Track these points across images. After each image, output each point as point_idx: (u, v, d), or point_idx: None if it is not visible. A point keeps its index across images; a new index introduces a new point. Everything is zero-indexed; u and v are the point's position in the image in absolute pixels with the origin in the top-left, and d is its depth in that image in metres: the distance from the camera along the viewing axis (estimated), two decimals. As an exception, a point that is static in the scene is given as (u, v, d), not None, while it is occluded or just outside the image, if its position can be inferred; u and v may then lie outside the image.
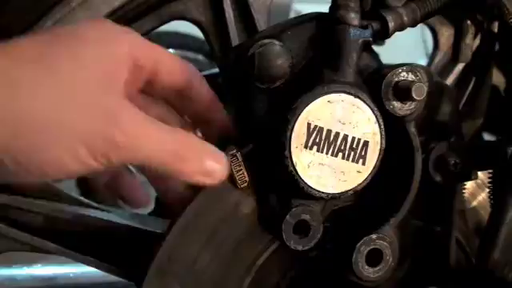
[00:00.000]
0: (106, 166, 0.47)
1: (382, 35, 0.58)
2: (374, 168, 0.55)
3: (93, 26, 0.50)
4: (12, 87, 0.43)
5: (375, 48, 0.59)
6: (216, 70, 0.76)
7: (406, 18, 0.58)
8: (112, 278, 0.64)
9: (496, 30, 0.66)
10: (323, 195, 0.54)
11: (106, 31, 0.50)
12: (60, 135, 0.44)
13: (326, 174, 0.54)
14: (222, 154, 0.52)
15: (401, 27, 0.58)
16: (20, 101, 0.43)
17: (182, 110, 0.58)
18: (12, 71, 0.44)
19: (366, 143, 0.54)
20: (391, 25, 0.57)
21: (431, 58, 0.92)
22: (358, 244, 0.55)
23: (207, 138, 0.57)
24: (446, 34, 0.89)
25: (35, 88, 0.44)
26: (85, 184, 0.72)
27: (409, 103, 0.55)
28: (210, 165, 0.51)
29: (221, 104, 0.58)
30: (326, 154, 0.54)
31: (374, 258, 0.56)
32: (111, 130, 0.45)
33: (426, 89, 0.53)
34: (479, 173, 0.64)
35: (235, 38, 0.67)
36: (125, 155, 0.47)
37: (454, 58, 0.69)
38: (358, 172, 0.55)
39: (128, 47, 0.50)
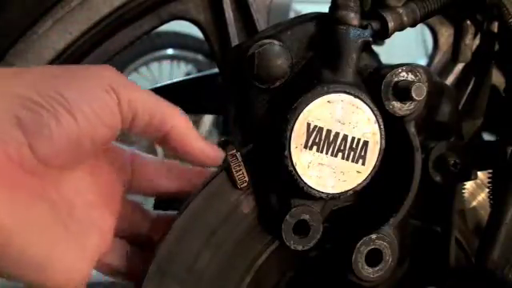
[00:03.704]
0: (122, 120, 0.48)
1: (382, 35, 0.58)
2: (373, 168, 0.55)
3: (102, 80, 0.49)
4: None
5: (375, 48, 0.59)
6: (216, 70, 0.76)
7: (405, 18, 0.58)
8: (112, 277, 0.64)
9: (496, 30, 0.65)
10: (323, 195, 0.54)
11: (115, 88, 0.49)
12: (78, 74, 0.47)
13: (326, 174, 0.54)
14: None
15: (400, 27, 0.58)
16: None
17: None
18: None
19: (365, 143, 0.54)
20: (391, 25, 0.57)
21: (431, 57, 0.93)
22: (358, 244, 0.55)
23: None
24: (446, 33, 0.90)
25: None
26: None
27: (408, 103, 0.55)
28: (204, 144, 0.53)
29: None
30: (326, 154, 0.54)
31: (374, 258, 0.56)
32: (117, 82, 0.48)
33: (425, 89, 0.53)
34: (479, 173, 0.64)
35: (235, 38, 0.67)
36: (134, 105, 0.48)
37: (454, 58, 0.69)
38: (358, 172, 0.55)
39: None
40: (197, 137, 0.52)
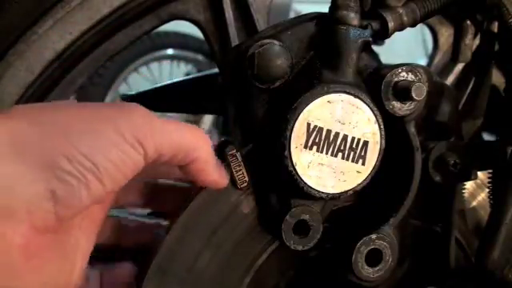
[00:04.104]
0: (145, 157, 0.47)
1: (382, 35, 0.58)
2: (373, 168, 0.55)
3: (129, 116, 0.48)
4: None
5: (375, 48, 0.59)
6: (216, 70, 0.76)
7: (405, 18, 0.58)
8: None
9: (496, 30, 0.65)
10: (323, 195, 0.54)
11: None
12: (95, 129, 0.45)
13: (326, 174, 0.54)
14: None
15: (400, 27, 0.58)
16: None
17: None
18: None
19: (365, 143, 0.54)
20: (391, 25, 0.57)
21: (431, 57, 0.93)
22: (358, 244, 0.55)
23: None
24: (446, 34, 0.90)
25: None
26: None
27: (408, 103, 0.55)
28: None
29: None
30: (326, 154, 0.54)
31: (374, 258, 0.56)
32: (136, 126, 0.46)
33: (425, 89, 0.53)
34: (479, 173, 0.64)
35: (235, 38, 0.67)
36: (155, 144, 0.47)
37: (454, 58, 0.69)
38: (358, 172, 0.55)
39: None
40: (214, 169, 0.52)
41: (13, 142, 0.42)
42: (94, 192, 0.44)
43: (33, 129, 0.43)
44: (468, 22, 0.67)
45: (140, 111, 0.47)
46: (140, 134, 0.46)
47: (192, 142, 0.50)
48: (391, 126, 0.55)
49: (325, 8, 0.56)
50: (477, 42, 0.69)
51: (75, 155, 0.43)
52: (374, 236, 0.56)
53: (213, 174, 0.52)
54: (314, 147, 0.53)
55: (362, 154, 0.54)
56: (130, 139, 0.45)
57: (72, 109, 0.46)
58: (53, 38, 0.63)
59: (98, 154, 0.44)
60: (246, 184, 0.55)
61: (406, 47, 2.94)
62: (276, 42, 0.54)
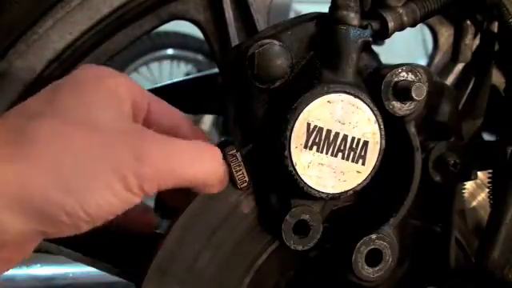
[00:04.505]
0: (144, 195, 0.46)
1: (382, 35, 0.58)
2: (373, 168, 0.55)
3: (90, 72, 0.50)
4: (30, 143, 0.43)
5: (375, 48, 0.59)
6: (216, 70, 0.76)
7: (405, 18, 0.58)
8: (111, 277, 0.64)
9: (496, 29, 0.65)
10: (323, 195, 0.54)
11: (103, 75, 0.49)
12: (93, 169, 0.44)
13: (326, 174, 0.54)
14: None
15: (400, 27, 0.58)
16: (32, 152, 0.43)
17: None
18: (26, 127, 0.44)
19: (365, 143, 0.54)
20: (391, 25, 0.57)
21: (431, 57, 0.93)
22: (358, 244, 0.55)
23: None
24: (446, 34, 0.90)
25: (50, 139, 0.44)
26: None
27: (408, 103, 0.55)
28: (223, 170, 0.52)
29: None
30: (326, 154, 0.54)
31: (374, 258, 0.56)
32: (138, 164, 0.45)
33: (425, 89, 0.53)
34: (479, 173, 0.64)
35: (235, 38, 0.67)
36: (157, 181, 0.46)
37: (454, 58, 0.69)
38: (358, 172, 0.55)
39: (126, 88, 0.50)
40: (220, 185, 0.52)
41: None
42: (84, 229, 0.46)
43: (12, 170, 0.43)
44: (468, 21, 0.67)
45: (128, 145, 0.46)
46: (134, 178, 0.45)
47: (194, 173, 0.49)
48: (391, 125, 0.55)
49: (325, 8, 0.56)
50: (477, 42, 0.69)
51: (68, 203, 0.43)
52: (374, 236, 0.56)
53: (218, 188, 0.52)
54: (314, 147, 0.53)
55: (362, 154, 0.54)
56: (127, 184, 0.45)
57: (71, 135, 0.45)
58: (53, 38, 0.63)
59: (91, 204, 0.44)
60: (246, 184, 0.55)
61: (406, 47, 2.94)
62: (276, 41, 0.53)
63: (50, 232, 0.45)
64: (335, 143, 0.54)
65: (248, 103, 0.56)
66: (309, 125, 0.53)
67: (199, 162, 0.49)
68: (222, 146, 0.54)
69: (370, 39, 0.55)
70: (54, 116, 0.45)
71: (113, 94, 0.48)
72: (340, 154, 0.54)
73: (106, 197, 0.44)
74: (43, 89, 0.48)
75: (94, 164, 0.44)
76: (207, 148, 0.51)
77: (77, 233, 0.46)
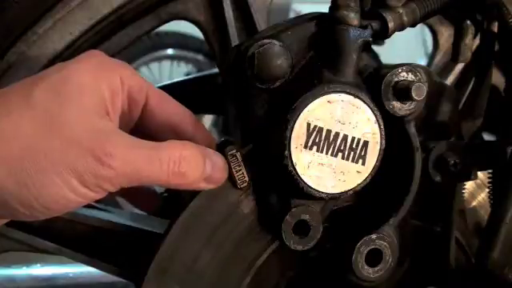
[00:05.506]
0: (103, 193, 0.47)
1: (382, 35, 0.58)
2: (373, 168, 0.55)
3: (87, 59, 0.50)
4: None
5: (375, 48, 0.59)
6: (216, 70, 0.76)
7: (405, 18, 0.58)
8: (111, 277, 0.64)
9: (496, 30, 0.65)
10: (323, 195, 0.54)
11: (99, 63, 0.50)
12: (51, 167, 0.45)
13: (326, 174, 0.54)
14: (219, 157, 0.53)
15: (401, 27, 0.58)
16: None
17: None
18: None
19: (365, 143, 0.54)
20: (391, 25, 0.57)
21: (431, 57, 0.93)
22: (358, 244, 0.55)
23: None
24: (446, 34, 0.89)
25: (18, 124, 0.45)
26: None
27: (408, 103, 0.55)
28: (209, 171, 0.52)
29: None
30: (326, 154, 0.54)
31: (374, 258, 0.56)
32: (97, 165, 0.45)
33: (425, 89, 0.53)
34: (479, 173, 0.64)
35: (235, 38, 0.67)
36: (118, 183, 0.47)
37: (454, 58, 0.69)
38: (358, 172, 0.55)
39: (120, 78, 0.50)
40: (204, 184, 0.53)
41: None
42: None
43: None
44: (468, 21, 0.67)
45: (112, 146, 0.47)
46: (101, 179, 0.46)
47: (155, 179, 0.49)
48: (391, 126, 0.55)
49: (325, 8, 0.56)
50: (477, 41, 0.69)
51: (29, 202, 0.45)
52: (374, 236, 0.56)
53: (205, 186, 0.52)
54: (314, 147, 0.53)
55: (362, 154, 0.54)
56: (89, 184, 0.46)
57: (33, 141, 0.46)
58: (53, 38, 0.63)
59: (48, 200, 0.46)
60: (246, 184, 0.55)
61: (406, 47, 2.94)
62: (276, 41, 0.53)
63: (5, 215, 0.47)
64: (335, 143, 0.54)
65: (248, 103, 0.56)
66: (309, 125, 0.53)
67: (153, 165, 0.48)
68: (221, 146, 0.54)
69: (370, 39, 0.55)
70: (25, 112, 0.46)
71: (89, 91, 0.48)
72: (340, 154, 0.54)
73: (63, 193, 0.45)
74: (28, 78, 0.49)
75: (51, 163, 0.45)
76: (163, 152, 0.49)
77: (35, 220, 0.48)
